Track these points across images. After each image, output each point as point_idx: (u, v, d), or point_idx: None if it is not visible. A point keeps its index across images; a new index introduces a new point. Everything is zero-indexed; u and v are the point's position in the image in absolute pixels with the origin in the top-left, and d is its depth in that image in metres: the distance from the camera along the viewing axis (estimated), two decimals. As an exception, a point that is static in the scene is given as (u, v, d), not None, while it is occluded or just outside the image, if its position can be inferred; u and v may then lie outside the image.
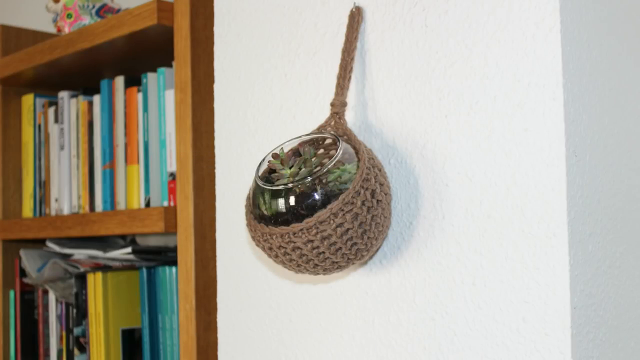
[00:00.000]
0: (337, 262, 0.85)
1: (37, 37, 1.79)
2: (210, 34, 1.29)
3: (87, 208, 1.59)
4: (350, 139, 0.89)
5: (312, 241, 0.82)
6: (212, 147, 1.26)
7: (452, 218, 0.87)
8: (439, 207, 0.88)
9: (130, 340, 1.49)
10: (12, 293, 1.72)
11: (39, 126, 1.73)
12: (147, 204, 1.44)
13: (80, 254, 1.60)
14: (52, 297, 1.64)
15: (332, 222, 0.81)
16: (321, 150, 0.92)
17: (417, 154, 0.90)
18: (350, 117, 0.97)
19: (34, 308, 1.70)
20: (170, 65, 1.45)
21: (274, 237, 0.83)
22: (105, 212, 1.45)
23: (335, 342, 0.98)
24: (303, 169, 0.85)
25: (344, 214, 0.82)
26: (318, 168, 0.85)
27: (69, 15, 1.57)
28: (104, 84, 1.56)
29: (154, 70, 1.46)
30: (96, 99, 1.58)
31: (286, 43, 1.05)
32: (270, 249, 0.85)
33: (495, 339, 0.84)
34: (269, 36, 1.07)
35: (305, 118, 1.02)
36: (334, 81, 0.98)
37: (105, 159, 1.55)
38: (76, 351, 1.53)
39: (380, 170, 0.86)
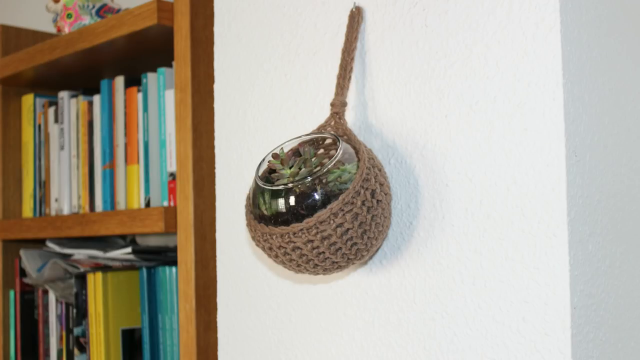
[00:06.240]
0: (337, 262, 0.85)
1: (37, 37, 1.79)
2: (210, 34, 1.29)
3: (87, 208, 1.59)
4: (350, 139, 0.89)
5: (312, 241, 0.82)
6: (212, 147, 1.26)
7: (452, 218, 0.87)
8: (439, 207, 0.88)
9: (130, 340, 1.49)
10: (12, 293, 1.72)
11: (39, 126, 1.73)
12: (147, 204, 1.44)
13: (80, 254, 1.60)
14: (52, 297, 1.64)
15: (332, 222, 0.81)
16: (321, 150, 0.92)
17: (417, 154, 0.90)
18: (350, 117, 0.97)
19: (34, 308, 1.70)
20: (170, 65, 1.45)
21: (274, 237, 0.83)
22: (105, 212, 1.45)
23: (335, 342, 0.98)
24: (303, 169, 0.85)
25: (344, 214, 0.82)
26: (318, 168, 0.85)
27: (69, 15, 1.57)
28: (104, 84, 1.56)
29: (154, 70, 1.46)
30: (96, 99, 1.58)
31: (286, 43, 1.05)
32: (270, 249, 0.85)
33: (495, 339, 0.84)
34: (269, 36, 1.07)
35: (305, 118, 1.02)
36: (334, 81, 0.98)
37: (105, 159, 1.55)
38: (76, 351, 1.53)
39: (380, 170, 0.86)
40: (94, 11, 1.57)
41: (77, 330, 1.52)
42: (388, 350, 0.93)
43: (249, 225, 0.87)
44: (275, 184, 0.85)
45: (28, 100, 1.76)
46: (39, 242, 1.73)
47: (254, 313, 1.08)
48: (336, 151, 0.85)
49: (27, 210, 1.75)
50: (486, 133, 0.85)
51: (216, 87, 1.14)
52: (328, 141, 0.92)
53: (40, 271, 1.62)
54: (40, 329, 1.68)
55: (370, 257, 0.95)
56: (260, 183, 0.86)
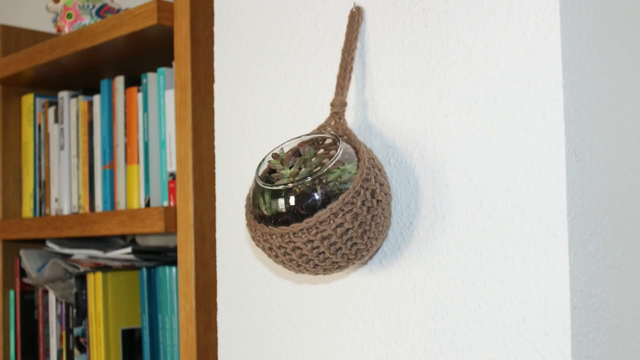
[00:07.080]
0: (337, 262, 0.85)
1: (37, 37, 1.79)
2: (210, 34, 1.29)
3: (87, 208, 1.59)
4: (350, 139, 0.89)
5: (312, 241, 0.82)
6: (212, 147, 1.26)
7: (452, 218, 0.87)
8: (439, 207, 0.88)
9: (130, 340, 1.49)
10: (12, 293, 1.72)
11: (39, 126, 1.73)
12: (147, 204, 1.44)
13: (80, 254, 1.60)
14: (52, 297, 1.64)
15: (332, 222, 0.81)
16: (321, 150, 0.92)
17: (417, 154, 0.90)
18: (350, 117, 0.97)
19: (34, 308, 1.70)
20: (170, 65, 1.45)
21: (274, 237, 0.84)
22: (105, 212, 1.45)
23: (335, 342, 0.98)
24: (303, 169, 0.85)
25: (344, 214, 0.82)
26: (318, 168, 0.85)
27: (69, 15, 1.57)
28: (104, 84, 1.56)
29: (154, 70, 1.46)
30: (96, 99, 1.58)
31: (286, 43, 1.05)
32: (270, 249, 0.85)
33: (495, 339, 0.84)
34: (269, 36, 1.07)
35: (305, 118, 1.02)
36: (334, 81, 0.98)
37: (105, 159, 1.55)
38: (76, 351, 1.53)
39: (380, 170, 0.86)
40: (94, 11, 1.57)
41: (77, 330, 1.52)
42: (388, 350, 0.93)
43: (249, 225, 0.87)
44: (275, 184, 0.85)
45: (28, 100, 1.76)
46: (39, 242, 1.73)
47: (254, 313, 1.08)
48: (336, 151, 0.85)
49: (27, 210, 1.75)
50: (486, 133, 0.85)
51: (216, 87, 1.14)
52: (328, 141, 0.92)
53: (40, 271, 1.62)
54: (40, 329, 1.68)
55: (370, 257, 0.95)
56: (260, 183, 0.86)
